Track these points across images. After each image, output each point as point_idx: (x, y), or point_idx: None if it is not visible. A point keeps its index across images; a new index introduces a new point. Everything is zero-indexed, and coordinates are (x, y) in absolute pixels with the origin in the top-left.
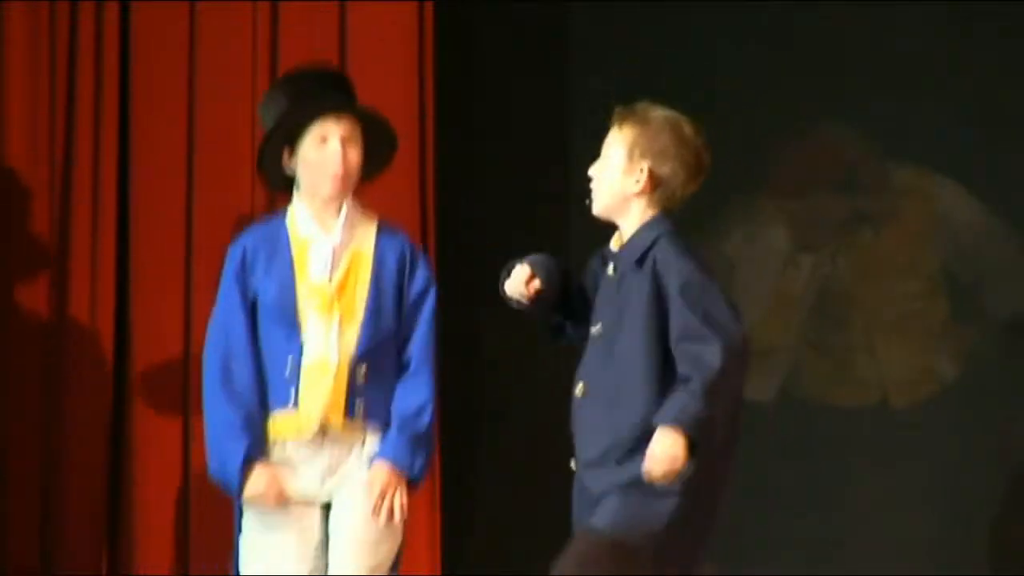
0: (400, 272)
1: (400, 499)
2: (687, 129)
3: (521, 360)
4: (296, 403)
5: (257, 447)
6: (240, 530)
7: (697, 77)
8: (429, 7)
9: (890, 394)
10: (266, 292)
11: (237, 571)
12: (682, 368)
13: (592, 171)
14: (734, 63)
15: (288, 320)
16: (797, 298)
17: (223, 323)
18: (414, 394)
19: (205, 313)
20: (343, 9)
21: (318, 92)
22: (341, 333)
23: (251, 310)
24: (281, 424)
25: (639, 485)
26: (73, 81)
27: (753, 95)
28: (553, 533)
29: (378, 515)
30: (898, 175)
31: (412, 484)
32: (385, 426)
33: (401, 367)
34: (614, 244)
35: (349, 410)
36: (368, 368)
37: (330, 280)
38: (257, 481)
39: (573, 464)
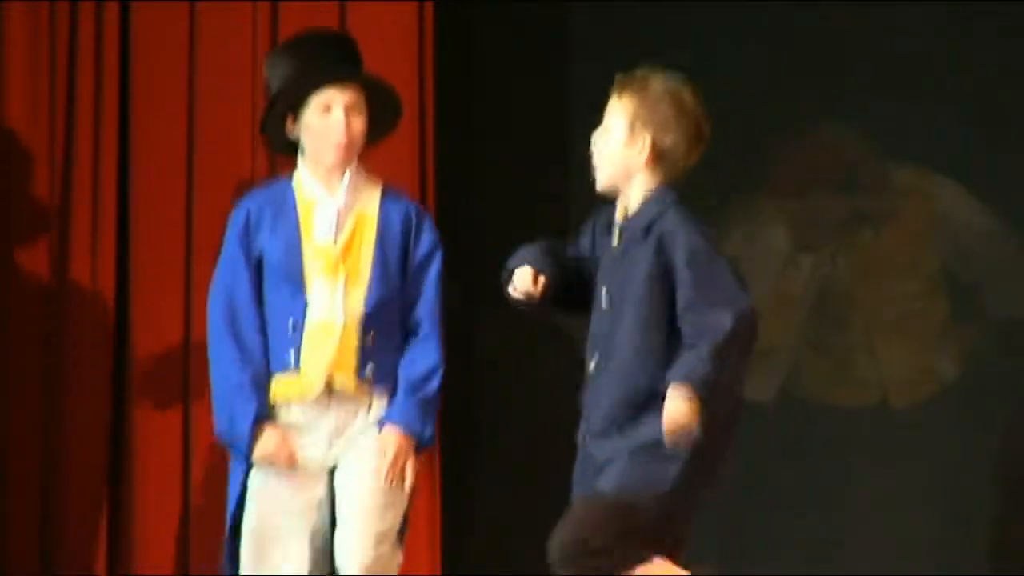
0: (405, 234)
1: (410, 465)
2: (687, 98)
3: (521, 360)
4: (297, 365)
5: (266, 408)
6: (236, 491)
7: (697, 77)
8: (429, 7)
9: (890, 394)
10: (271, 252)
11: (232, 528)
12: (690, 334)
13: (594, 139)
14: (734, 63)
15: (293, 280)
16: (797, 298)
17: (228, 284)
18: (423, 358)
19: (205, 316)
20: (343, 9)
21: (323, 58)
22: (346, 295)
23: (255, 271)
24: (283, 386)
25: (644, 450)
26: (73, 81)
27: (753, 95)
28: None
29: (388, 481)
30: (898, 175)
31: (421, 449)
32: (391, 389)
33: (407, 331)
34: (618, 215)
35: (360, 371)
36: (376, 330)
37: (335, 242)
38: (268, 442)
39: (579, 437)
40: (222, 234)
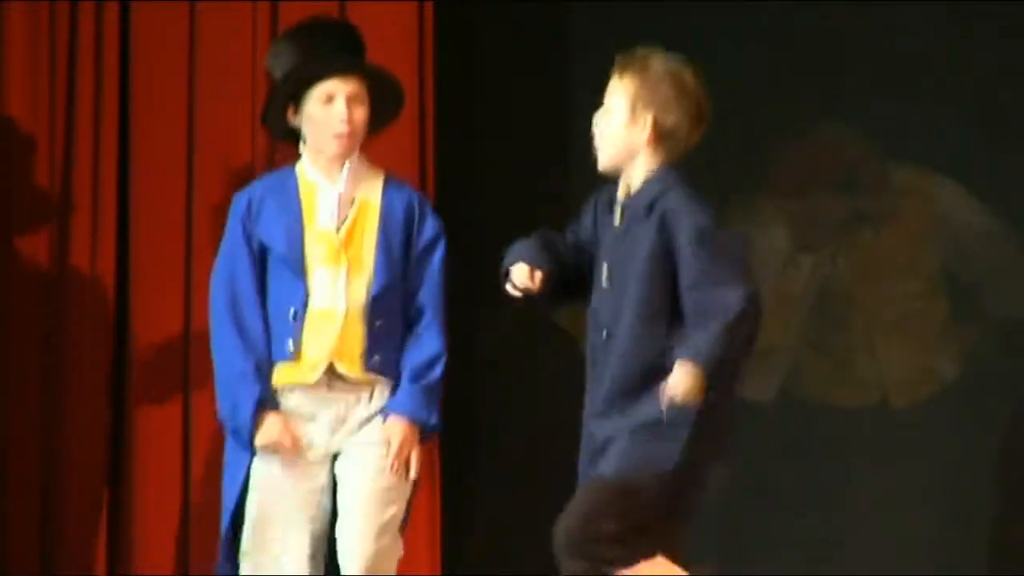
0: (408, 222)
1: (414, 455)
2: (688, 78)
3: (521, 360)
4: (298, 352)
5: (269, 394)
6: (238, 481)
7: None
8: (429, 7)
9: (890, 394)
10: (273, 239)
11: (231, 518)
12: (696, 312)
13: (596, 120)
14: (734, 63)
15: (294, 268)
16: (797, 298)
17: (230, 271)
18: (427, 346)
19: (205, 314)
20: (343, 9)
21: (325, 47)
22: (348, 283)
23: (257, 259)
24: (284, 373)
25: (644, 428)
26: (73, 81)
27: (753, 95)
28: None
29: (393, 471)
30: (898, 175)
31: (426, 436)
32: (393, 377)
33: (409, 319)
34: (620, 193)
35: (365, 360)
36: (380, 318)
37: (337, 230)
38: (270, 428)
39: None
40: (221, 232)
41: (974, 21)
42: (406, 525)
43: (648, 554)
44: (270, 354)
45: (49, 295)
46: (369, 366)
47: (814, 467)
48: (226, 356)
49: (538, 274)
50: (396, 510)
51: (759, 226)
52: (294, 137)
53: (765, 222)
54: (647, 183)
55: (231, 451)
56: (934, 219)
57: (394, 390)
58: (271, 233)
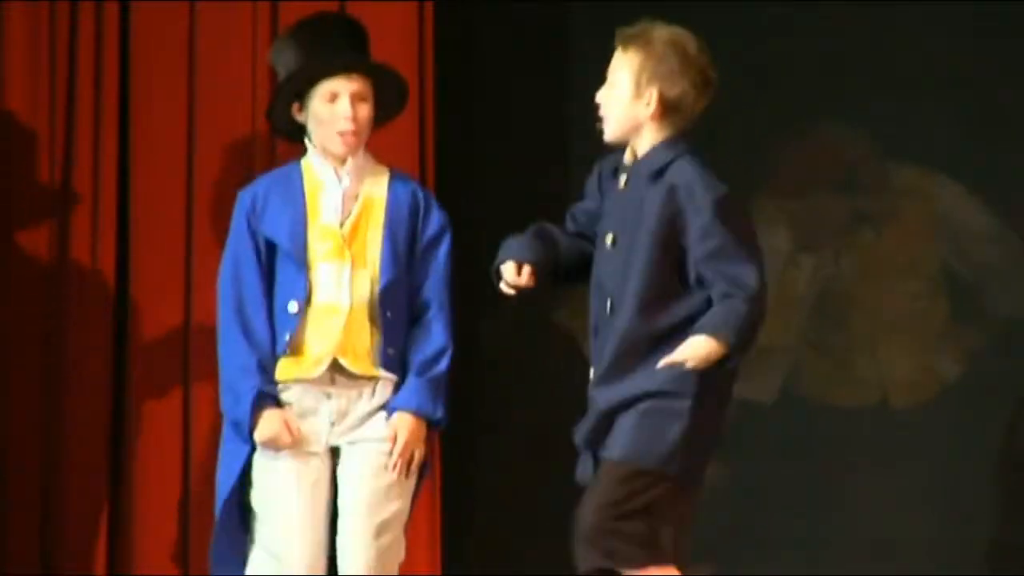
0: (413, 215)
1: (418, 451)
2: (691, 47)
3: (521, 360)
4: (301, 346)
5: (270, 388)
6: (236, 472)
7: None
8: (429, 7)
9: (890, 394)
10: (277, 232)
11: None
12: (718, 285)
13: (599, 97)
14: (734, 63)
15: (298, 262)
16: (798, 298)
17: (235, 267)
18: (433, 340)
19: (205, 315)
20: (343, 9)
21: (330, 45)
22: (353, 278)
23: (262, 254)
24: (288, 367)
25: (648, 397)
26: (73, 81)
27: (753, 95)
28: (553, 533)
29: (395, 468)
30: (898, 175)
31: (433, 429)
32: (398, 371)
33: (414, 313)
34: (627, 158)
35: (381, 355)
36: (386, 313)
37: (341, 225)
38: (270, 422)
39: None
40: (222, 235)
41: (974, 21)
42: (408, 522)
43: (662, 559)
44: (275, 352)
45: (49, 292)
46: (383, 360)
47: (814, 467)
48: (230, 351)
49: (526, 269)
50: (397, 508)
51: (759, 226)
52: (298, 134)
53: (765, 222)
54: (658, 149)
55: (229, 440)
56: (934, 219)
57: (397, 384)
58: (275, 228)
